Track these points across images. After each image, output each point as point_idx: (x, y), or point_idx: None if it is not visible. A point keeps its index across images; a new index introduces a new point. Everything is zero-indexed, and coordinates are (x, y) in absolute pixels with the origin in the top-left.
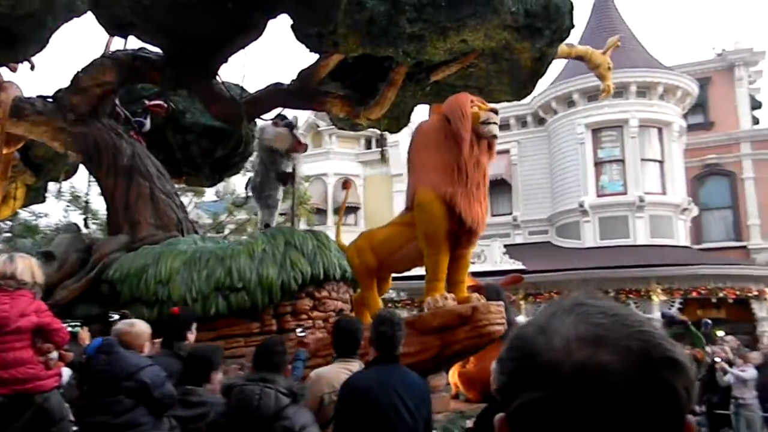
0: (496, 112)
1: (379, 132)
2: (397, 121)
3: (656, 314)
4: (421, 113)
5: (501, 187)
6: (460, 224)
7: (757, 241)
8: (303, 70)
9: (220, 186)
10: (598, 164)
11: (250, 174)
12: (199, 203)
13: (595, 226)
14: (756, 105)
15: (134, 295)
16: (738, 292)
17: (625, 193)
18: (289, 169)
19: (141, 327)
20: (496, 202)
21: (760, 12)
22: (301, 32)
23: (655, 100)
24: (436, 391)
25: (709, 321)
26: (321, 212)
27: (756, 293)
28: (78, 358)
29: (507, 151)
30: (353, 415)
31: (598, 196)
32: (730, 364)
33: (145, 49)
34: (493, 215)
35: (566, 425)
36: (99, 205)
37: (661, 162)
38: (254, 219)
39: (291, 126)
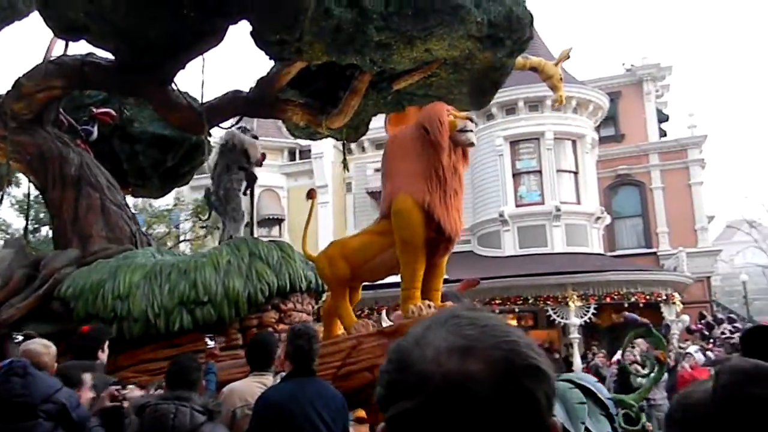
0: (472, 120)
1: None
2: (356, 130)
3: (573, 319)
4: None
5: None
6: (439, 232)
7: (666, 247)
8: (263, 78)
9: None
10: (517, 175)
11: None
12: None
13: (515, 235)
14: (663, 118)
15: (90, 312)
16: (648, 297)
17: (542, 203)
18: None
19: (53, 348)
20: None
21: (667, 28)
22: (262, 39)
23: (569, 114)
24: None
25: (669, 324)
26: (246, 224)
27: (665, 297)
28: None
29: None
30: (268, 430)
31: (517, 206)
32: (642, 366)
33: (93, 54)
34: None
35: (437, 427)
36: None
37: (575, 173)
38: (174, 232)
39: (256, 138)
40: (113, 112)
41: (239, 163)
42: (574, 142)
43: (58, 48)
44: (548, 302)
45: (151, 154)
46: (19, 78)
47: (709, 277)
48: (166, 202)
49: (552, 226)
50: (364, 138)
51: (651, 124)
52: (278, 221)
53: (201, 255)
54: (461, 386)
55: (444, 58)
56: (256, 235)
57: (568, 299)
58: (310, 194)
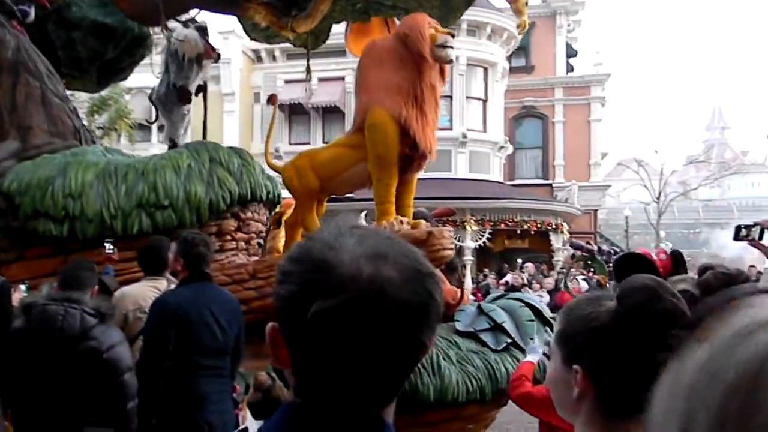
0: (453, 35)
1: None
2: (317, 37)
3: (468, 242)
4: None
5: (334, 114)
6: (413, 148)
7: (561, 180)
8: None
9: None
10: None
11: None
12: None
13: None
14: (572, 53)
15: (38, 209)
16: (539, 225)
17: (450, 129)
18: (198, 82)
19: None
20: (329, 129)
21: None
22: None
23: (483, 40)
24: None
25: (612, 251)
26: (144, 128)
27: (554, 226)
28: None
29: (342, 78)
30: (165, 334)
31: None
32: (529, 287)
33: None
34: (325, 142)
35: (352, 329)
36: None
37: (484, 101)
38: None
39: (203, 30)
40: None
41: (174, 64)
42: (485, 69)
43: None
44: (446, 225)
45: (89, 44)
46: None
47: (596, 211)
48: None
49: (457, 152)
50: (275, 47)
51: (560, 57)
52: None
53: (159, 157)
54: (380, 288)
55: None
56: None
57: (465, 223)
58: (271, 99)
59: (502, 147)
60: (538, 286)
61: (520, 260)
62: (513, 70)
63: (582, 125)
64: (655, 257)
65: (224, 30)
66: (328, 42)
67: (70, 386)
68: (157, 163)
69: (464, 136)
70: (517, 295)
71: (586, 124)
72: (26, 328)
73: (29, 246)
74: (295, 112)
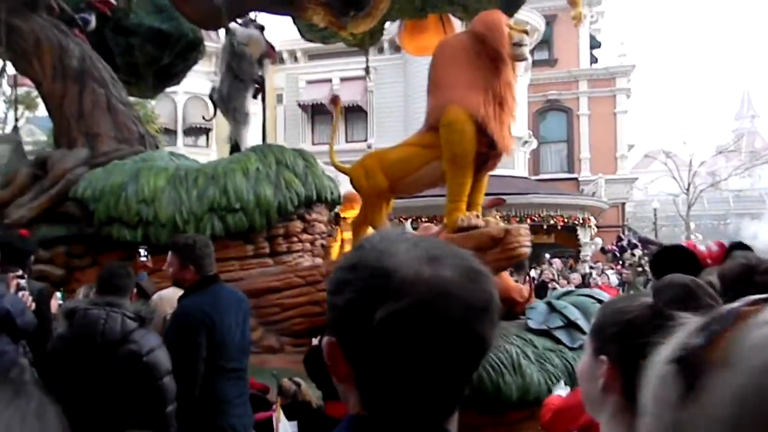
0: (527, 33)
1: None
2: (371, 35)
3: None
4: None
5: (356, 113)
6: (491, 147)
7: (587, 174)
8: None
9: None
10: None
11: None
12: (31, 118)
13: None
14: (596, 44)
15: (112, 215)
16: (566, 220)
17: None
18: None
19: None
20: (351, 128)
21: None
22: None
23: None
24: None
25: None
26: (170, 132)
27: (581, 221)
28: None
29: (363, 78)
30: (195, 341)
31: None
32: (556, 283)
33: None
34: (348, 142)
35: (420, 332)
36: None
37: None
38: None
39: (262, 30)
40: (113, 1)
41: (238, 64)
42: None
43: None
44: (435, 221)
45: (146, 50)
46: None
47: (624, 204)
48: None
49: None
50: (296, 48)
51: (583, 50)
52: (206, 131)
53: (228, 160)
54: (444, 289)
55: None
56: (182, 145)
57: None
58: (334, 101)
59: (526, 141)
60: (564, 282)
61: (547, 255)
62: (536, 64)
63: (607, 117)
64: (704, 249)
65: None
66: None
67: (110, 389)
68: (226, 167)
69: None
70: (587, 291)
71: (611, 117)
72: (69, 333)
73: (103, 251)
74: (317, 112)
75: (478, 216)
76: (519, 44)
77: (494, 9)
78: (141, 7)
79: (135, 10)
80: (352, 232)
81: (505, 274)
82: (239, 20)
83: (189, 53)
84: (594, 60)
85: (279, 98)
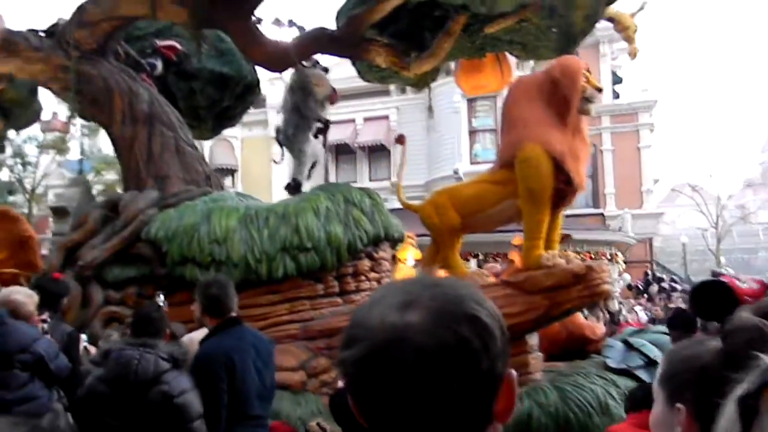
0: (600, 90)
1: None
2: (429, 75)
3: None
4: None
5: (379, 152)
6: (567, 183)
7: (612, 208)
8: (353, 15)
9: (86, 144)
10: (473, 133)
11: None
12: (62, 162)
13: None
14: (617, 80)
15: (185, 255)
16: (593, 256)
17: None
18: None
19: (36, 297)
20: (374, 167)
21: None
22: None
23: (526, 73)
24: (531, 351)
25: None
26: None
27: (609, 256)
28: None
29: (386, 117)
30: (217, 386)
31: (472, 163)
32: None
33: None
34: (371, 180)
35: (378, 377)
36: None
37: None
38: None
39: (326, 72)
40: (178, 46)
41: (305, 103)
42: None
43: None
44: (497, 258)
45: (208, 93)
46: (84, 4)
47: (651, 239)
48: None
49: None
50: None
51: (605, 85)
52: (231, 171)
53: (298, 200)
54: (400, 334)
55: (543, 2)
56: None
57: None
58: (400, 140)
59: None
60: (594, 319)
61: None
62: None
63: (631, 152)
64: (742, 284)
65: (272, 77)
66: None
67: (142, 430)
68: (297, 206)
69: None
70: (661, 328)
71: (635, 151)
72: (104, 373)
73: (174, 292)
74: (341, 151)
75: (555, 255)
76: (589, 99)
77: (552, 46)
78: (203, 52)
79: (196, 54)
80: (423, 270)
81: (577, 313)
82: (304, 62)
83: (247, 95)
84: (616, 95)
85: None
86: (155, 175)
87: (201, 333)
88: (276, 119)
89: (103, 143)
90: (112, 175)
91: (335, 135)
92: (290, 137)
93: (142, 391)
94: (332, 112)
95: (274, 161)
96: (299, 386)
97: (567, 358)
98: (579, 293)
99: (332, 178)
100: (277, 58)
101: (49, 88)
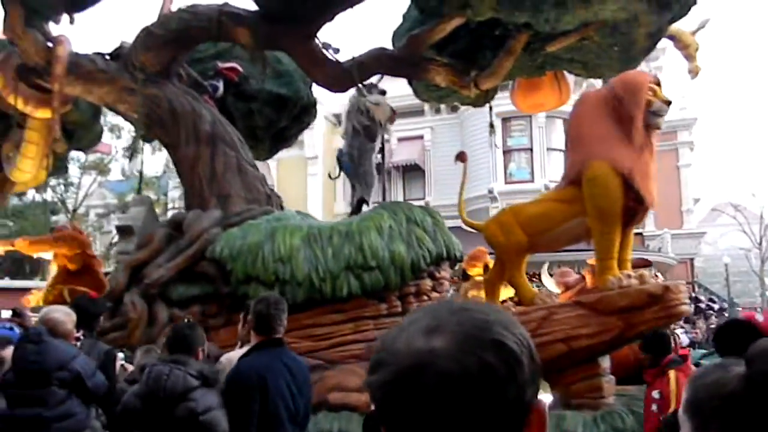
0: (669, 103)
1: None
2: (486, 93)
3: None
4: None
5: (414, 172)
6: (637, 201)
7: (652, 228)
8: (413, 35)
9: (126, 165)
10: (507, 152)
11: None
12: (103, 182)
13: None
14: None
15: (249, 274)
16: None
17: (532, 181)
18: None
19: (74, 316)
20: (409, 186)
21: None
22: None
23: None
24: (604, 374)
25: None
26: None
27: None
28: None
29: (420, 137)
30: (248, 405)
31: (507, 183)
32: None
33: (228, 3)
34: (406, 200)
35: (403, 402)
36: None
37: (565, 152)
38: (163, 200)
39: (383, 94)
40: (239, 68)
41: (364, 125)
42: (565, 120)
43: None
44: (533, 279)
45: (266, 114)
46: (148, 27)
47: (692, 259)
48: (155, 168)
49: None
50: None
51: None
52: None
53: (360, 218)
54: (424, 360)
55: (606, 20)
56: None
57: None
58: (461, 156)
59: None
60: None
61: None
62: None
63: (671, 171)
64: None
65: None
66: (406, 102)
67: None
68: (360, 225)
69: (547, 188)
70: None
71: (674, 170)
72: (139, 388)
73: (237, 311)
74: (408, 170)
75: (630, 275)
76: (657, 113)
77: (614, 65)
78: (262, 74)
79: (256, 75)
80: (486, 289)
81: None
82: (365, 83)
83: (304, 116)
84: None
85: None
86: (218, 195)
87: (239, 352)
88: (311, 140)
89: (144, 164)
90: (151, 196)
91: None
92: (354, 159)
93: (170, 406)
94: None
95: (330, 176)
96: (365, 407)
97: (633, 382)
98: (655, 314)
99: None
100: (339, 79)
101: (114, 110)
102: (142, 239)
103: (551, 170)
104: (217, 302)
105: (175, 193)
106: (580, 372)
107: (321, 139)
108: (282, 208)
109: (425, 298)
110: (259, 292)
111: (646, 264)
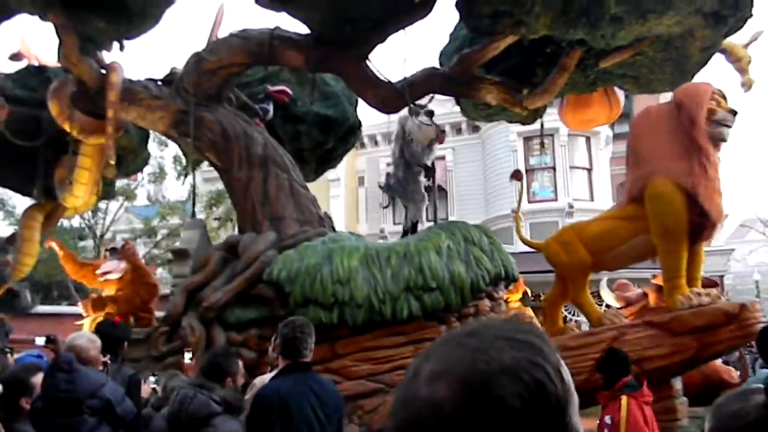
0: (735, 114)
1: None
2: (535, 111)
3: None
4: None
5: (437, 192)
6: (703, 216)
7: None
8: (465, 54)
9: (151, 190)
10: (530, 171)
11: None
12: (129, 207)
13: (528, 231)
14: None
15: (308, 297)
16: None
17: (555, 200)
18: (429, 162)
19: (99, 342)
20: (431, 207)
21: None
22: (471, 11)
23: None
24: (677, 395)
25: None
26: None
27: None
28: None
29: (443, 158)
30: (263, 427)
31: (530, 202)
32: None
33: (280, 27)
34: (428, 220)
35: None
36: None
37: (589, 170)
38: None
39: (431, 115)
40: (289, 91)
41: (409, 149)
42: (588, 138)
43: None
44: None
45: (313, 135)
46: (200, 52)
47: (722, 276)
48: (180, 193)
49: (564, 222)
50: (376, 132)
51: None
52: None
53: (418, 239)
54: (424, 413)
55: (660, 35)
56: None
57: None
58: (517, 175)
59: None
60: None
61: None
62: (618, 137)
63: None
64: None
65: None
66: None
67: None
68: (419, 245)
69: (570, 206)
70: None
71: None
72: (168, 412)
73: None
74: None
75: (700, 293)
76: (721, 123)
77: (667, 79)
78: (309, 96)
79: (303, 98)
80: (547, 310)
81: None
82: (417, 103)
83: (349, 137)
84: None
85: (360, 180)
86: (271, 217)
87: (270, 375)
88: None
89: (168, 190)
90: (176, 220)
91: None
92: (401, 182)
93: (192, 430)
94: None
95: (381, 206)
96: None
97: (700, 403)
98: (731, 334)
99: (389, 220)
100: (391, 100)
101: (167, 135)
102: (198, 262)
103: (575, 188)
104: (274, 325)
105: (199, 217)
106: (652, 394)
107: (343, 161)
108: (333, 229)
109: (483, 319)
110: (318, 314)
111: (713, 284)
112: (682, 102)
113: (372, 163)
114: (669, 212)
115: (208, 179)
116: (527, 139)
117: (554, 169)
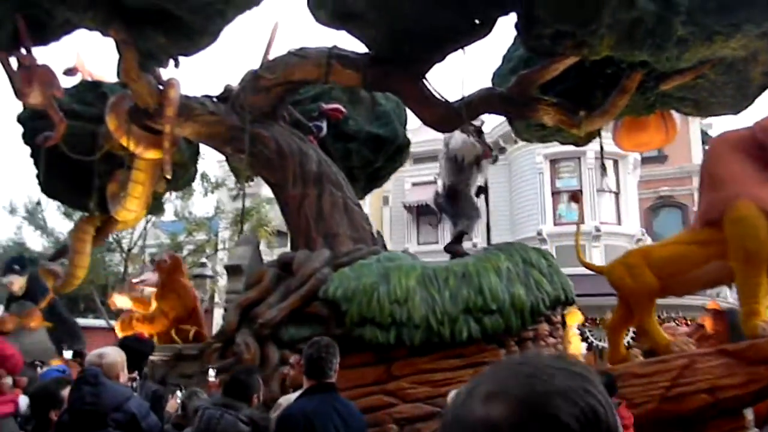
0: None
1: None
2: (589, 134)
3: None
4: None
5: (431, 215)
6: None
7: None
8: (524, 74)
9: (178, 205)
10: (556, 194)
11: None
12: (156, 222)
13: (553, 254)
14: (707, 140)
15: (364, 316)
16: (689, 322)
17: (582, 223)
18: (479, 182)
19: (124, 356)
20: (424, 230)
21: None
22: (530, 32)
23: (610, 133)
24: (749, 426)
25: None
26: (282, 235)
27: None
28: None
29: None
30: None
31: (556, 224)
32: None
33: (337, 46)
34: (420, 243)
35: None
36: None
37: (616, 193)
38: (213, 240)
39: (479, 132)
40: (343, 108)
41: (455, 168)
42: (615, 161)
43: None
44: (585, 324)
45: (363, 154)
46: (258, 70)
47: None
48: (206, 209)
49: (591, 246)
50: None
51: (695, 145)
52: None
53: (476, 259)
54: (477, 428)
55: (724, 58)
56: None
57: (606, 321)
58: (575, 197)
59: (639, 239)
60: None
61: None
62: (645, 161)
63: None
64: None
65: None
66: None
67: None
68: (477, 266)
69: (597, 230)
70: None
71: None
72: (192, 430)
73: (350, 352)
74: (422, 213)
75: None
76: None
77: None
78: (360, 115)
79: (355, 117)
80: (610, 336)
81: None
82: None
83: (398, 156)
84: None
85: (385, 200)
86: (324, 234)
87: (297, 394)
88: None
89: (195, 205)
90: (202, 236)
91: (417, 196)
92: (450, 197)
93: None
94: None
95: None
96: None
97: None
98: None
99: (413, 239)
100: (448, 119)
101: (222, 151)
102: (251, 278)
103: (602, 211)
104: None
105: (225, 233)
106: (724, 425)
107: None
108: (385, 247)
109: (543, 343)
110: (375, 334)
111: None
112: (765, 142)
113: (397, 183)
114: (752, 236)
115: (234, 197)
116: (554, 162)
117: (581, 191)
